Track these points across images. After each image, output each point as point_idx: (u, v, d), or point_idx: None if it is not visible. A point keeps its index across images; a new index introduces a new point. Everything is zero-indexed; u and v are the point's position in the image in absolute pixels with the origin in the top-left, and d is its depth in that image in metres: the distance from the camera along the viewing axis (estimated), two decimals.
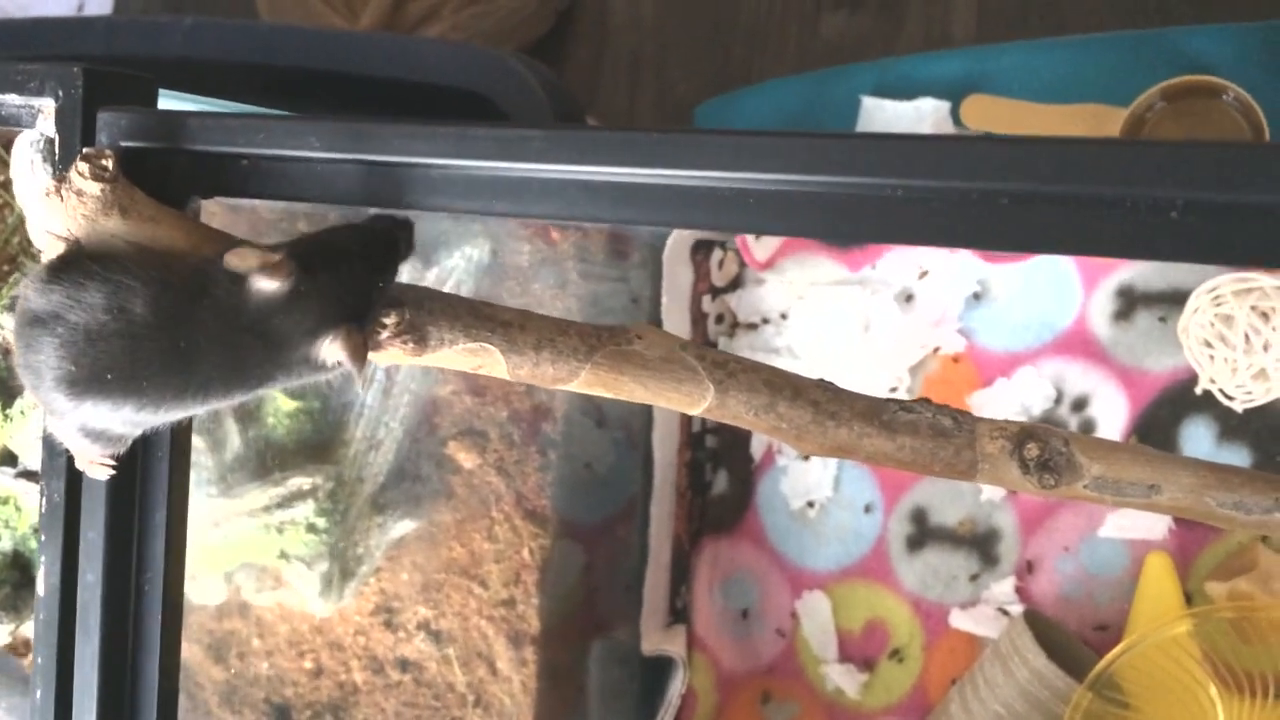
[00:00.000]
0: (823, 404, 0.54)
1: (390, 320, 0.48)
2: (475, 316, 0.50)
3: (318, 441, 0.91)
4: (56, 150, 0.55)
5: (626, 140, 0.42)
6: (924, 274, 0.95)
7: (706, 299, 1.03)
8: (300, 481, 0.86)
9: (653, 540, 1.01)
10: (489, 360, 0.51)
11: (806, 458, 1.02)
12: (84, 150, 0.46)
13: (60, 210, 0.46)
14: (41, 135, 0.77)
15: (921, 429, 0.54)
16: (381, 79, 1.06)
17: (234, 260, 0.45)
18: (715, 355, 0.54)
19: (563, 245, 0.96)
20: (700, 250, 1.01)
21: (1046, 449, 0.53)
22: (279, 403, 0.90)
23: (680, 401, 0.53)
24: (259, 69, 1.00)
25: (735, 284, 1.03)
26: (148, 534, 0.53)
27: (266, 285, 0.45)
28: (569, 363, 0.51)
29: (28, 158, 0.79)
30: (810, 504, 1.01)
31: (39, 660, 0.54)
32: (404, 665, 1.01)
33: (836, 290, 0.98)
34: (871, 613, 0.99)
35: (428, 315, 0.49)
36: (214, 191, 0.51)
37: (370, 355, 0.49)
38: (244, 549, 0.92)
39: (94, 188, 0.46)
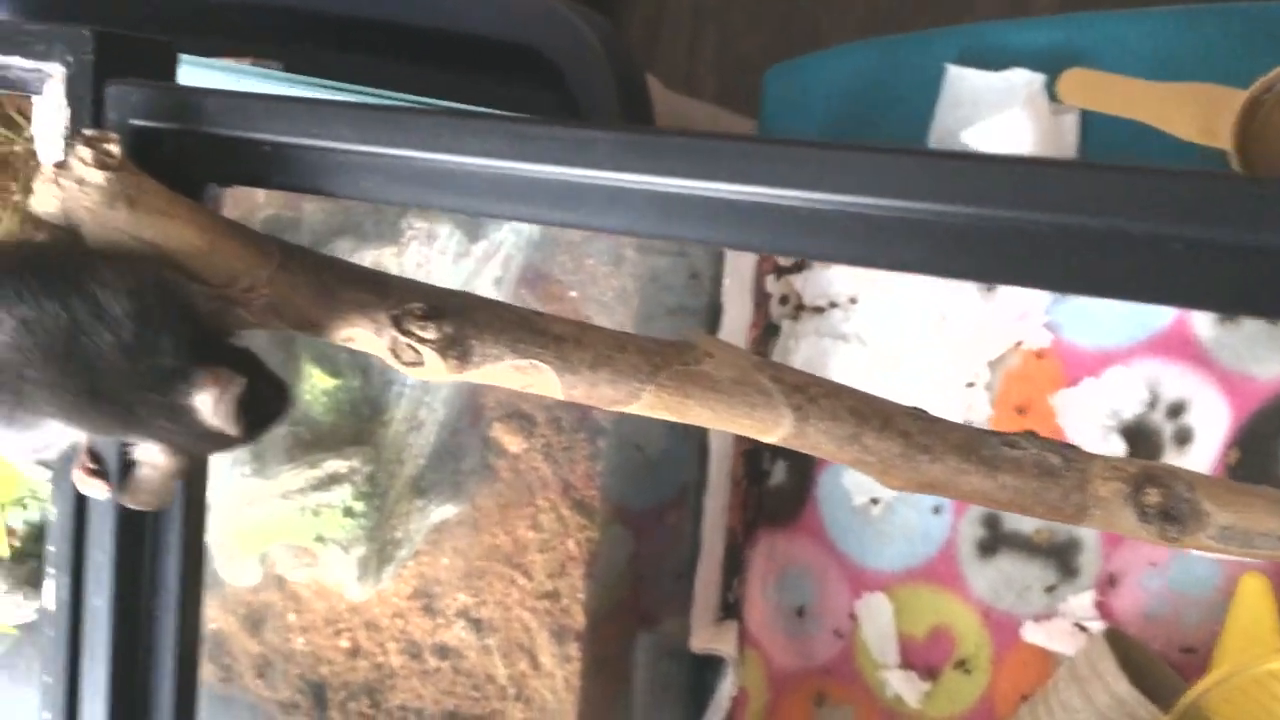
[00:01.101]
0: (914, 435, 0.47)
1: (430, 334, 0.43)
2: (526, 329, 0.45)
3: (356, 421, 0.86)
4: (67, 125, 0.50)
5: (712, 149, 0.35)
6: None
7: (770, 279, 0.96)
8: (337, 465, 0.81)
9: (706, 531, 0.96)
10: (540, 379, 0.45)
11: None
12: (84, 132, 0.41)
13: (60, 199, 0.41)
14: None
15: (1026, 467, 0.47)
16: (423, 28, 0.99)
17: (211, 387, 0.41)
18: (793, 376, 0.47)
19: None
20: None
21: (1169, 495, 0.47)
22: (316, 379, 0.85)
23: (753, 429, 0.47)
24: (291, 14, 0.94)
25: (801, 264, 0.96)
26: (161, 553, 0.48)
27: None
28: (629, 383, 0.45)
29: (46, 117, 0.73)
30: (874, 500, 0.95)
31: (47, 680, 0.50)
32: (443, 652, 0.97)
33: (913, 275, 0.91)
34: (937, 618, 0.93)
35: (472, 327, 0.44)
36: (233, 180, 0.45)
37: (406, 370, 0.44)
38: (279, 531, 0.88)
39: (97, 176, 0.40)
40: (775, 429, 0.47)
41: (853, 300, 0.94)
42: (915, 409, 0.48)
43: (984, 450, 0.47)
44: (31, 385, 0.41)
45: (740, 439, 0.98)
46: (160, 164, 0.42)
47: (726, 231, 0.37)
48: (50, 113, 0.71)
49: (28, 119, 1.14)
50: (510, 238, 0.85)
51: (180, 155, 0.44)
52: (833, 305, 0.95)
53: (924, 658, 0.94)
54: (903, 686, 0.94)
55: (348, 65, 0.94)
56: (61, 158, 0.42)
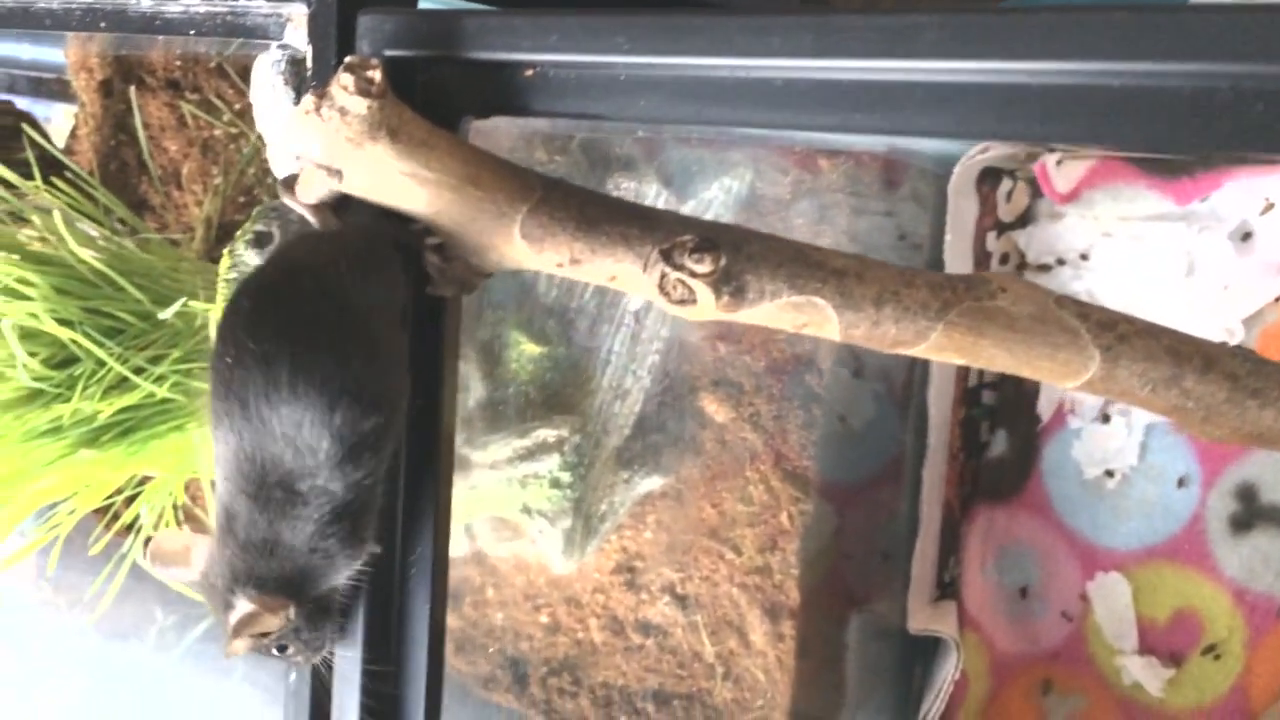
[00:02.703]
0: (1242, 379, 0.41)
1: (704, 267, 0.39)
2: (803, 263, 0.41)
3: (562, 390, 0.84)
4: (309, 65, 0.48)
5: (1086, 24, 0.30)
6: (1269, 207, 0.80)
7: (991, 236, 0.90)
8: (546, 433, 0.79)
9: (924, 507, 0.90)
10: (816, 318, 0.41)
11: (1106, 418, 0.88)
12: (347, 60, 0.38)
13: (319, 133, 0.39)
14: (284, 55, 0.71)
15: None
16: None
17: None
18: (1100, 313, 0.42)
19: (830, 174, 0.85)
20: (987, 180, 0.88)
21: None
22: (523, 348, 0.83)
23: (1054, 372, 0.42)
24: None
25: (1025, 219, 0.90)
26: (416, 510, 0.46)
27: None
28: (916, 322, 0.41)
29: (269, 80, 0.73)
30: (1109, 473, 0.88)
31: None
32: (646, 628, 0.94)
33: (1154, 226, 0.84)
34: (1182, 601, 0.86)
35: (747, 261, 0.40)
36: (492, 110, 0.42)
37: (675, 309, 0.40)
38: (485, 502, 0.86)
39: (359, 104, 0.38)
40: (1080, 372, 0.42)
41: (1084, 256, 0.87)
42: (1240, 348, 0.43)
43: None
44: None
45: (956, 407, 0.93)
46: (414, 96, 0.40)
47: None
48: (270, 68, 0.70)
49: (226, 103, 1.16)
50: (719, 196, 0.81)
51: (436, 87, 0.42)
52: (1060, 262, 0.88)
53: (1166, 642, 0.87)
54: (1142, 673, 0.87)
55: None
56: (306, 105, 0.40)
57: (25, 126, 1.12)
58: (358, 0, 0.45)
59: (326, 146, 0.39)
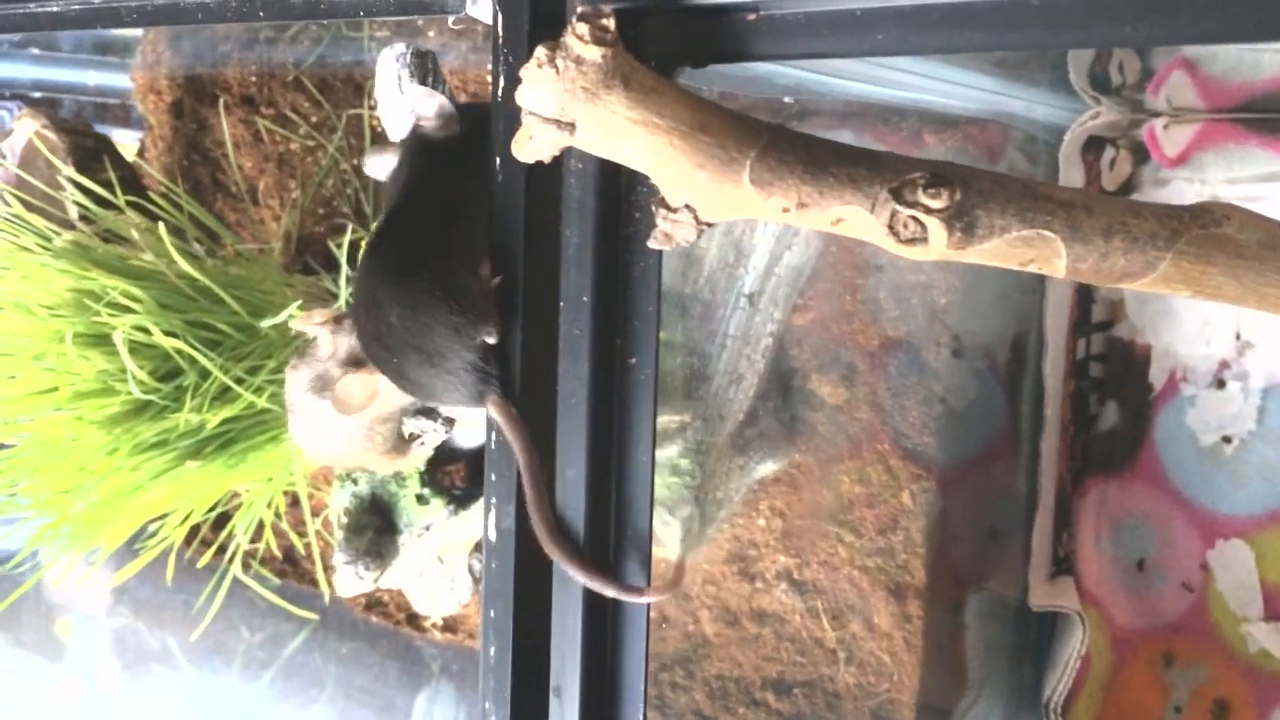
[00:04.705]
0: None
1: (939, 203, 0.39)
2: (1031, 197, 0.40)
3: (680, 376, 0.84)
4: (499, 32, 0.48)
5: None
6: None
7: None
8: (671, 419, 0.79)
9: (1043, 481, 0.90)
10: (1044, 252, 0.41)
11: (1221, 384, 0.88)
12: (580, 10, 0.38)
13: (553, 85, 0.39)
14: (409, 49, 0.71)
15: None
16: None
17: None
18: None
19: (937, 149, 0.85)
20: (1091, 149, 0.88)
21: None
22: None
23: None
24: None
25: (1128, 187, 0.90)
26: (628, 468, 0.45)
27: None
28: (1145, 252, 0.41)
29: (394, 72, 0.73)
30: (1226, 439, 0.88)
31: (490, 614, 0.48)
32: (761, 617, 0.93)
33: (1264, 188, 0.83)
34: None
35: (977, 196, 0.40)
36: (710, 58, 0.42)
37: (904, 250, 0.40)
38: None
39: (594, 53, 0.38)
40: None
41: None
42: None
43: None
44: None
45: (1068, 377, 0.92)
46: (630, 49, 0.40)
47: None
48: (395, 61, 0.71)
49: (303, 116, 1.16)
50: None
51: (652, 39, 0.42)
52: None
53: None
54: (1270, 640, 0.86)
55: None
56: (539, 57, 0.39)
57: (107, 148, 1.12)
58: None
59: (560, 98, 0.39)
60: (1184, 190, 0.87)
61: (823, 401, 0.88)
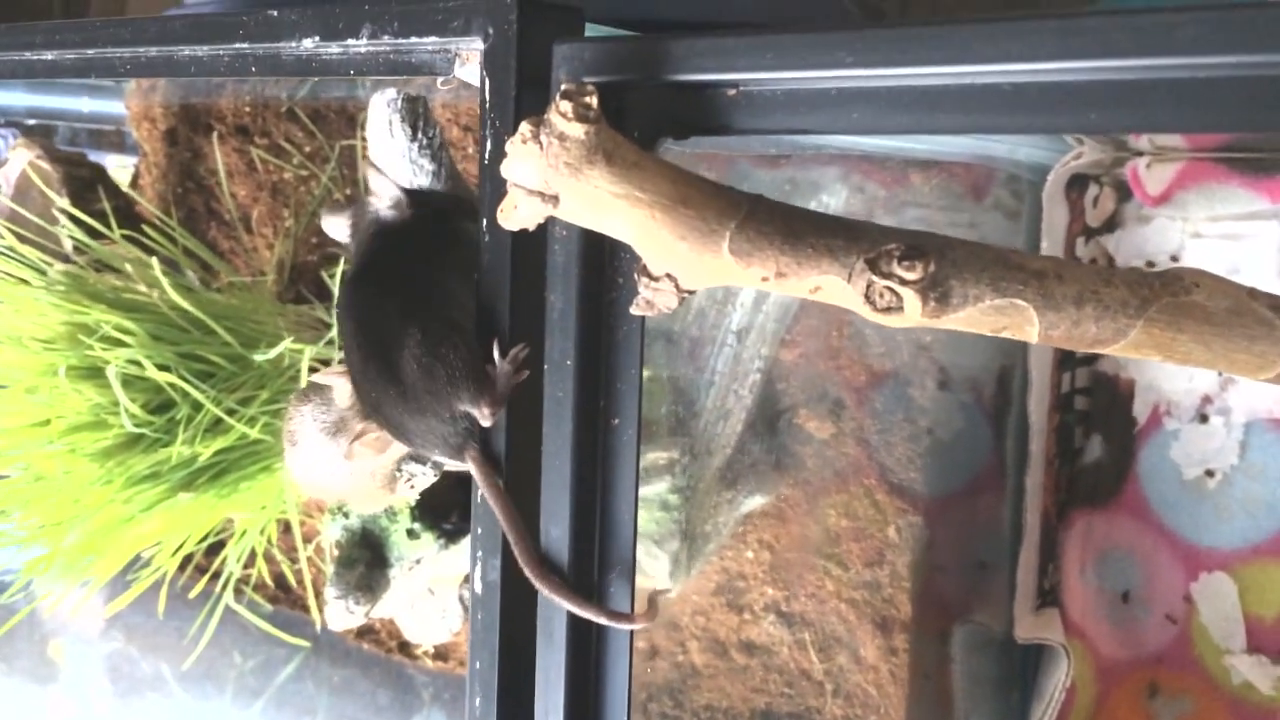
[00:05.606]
0: None
1: (913, 275, 0.40)
2: (1004, 266, 0.41)
3: (669, 412, 0.85)
4: (486, 97, 0.49)
5: None
6: None
7: (1080, 242, 0.91)
8: (659, 455, 0.80)
9: (1027, 514, 0.91)
10: (1018, 320, 0.42)
11: (1204, 418, 0.89)
12: (563, 87, 0.39)
13: (537, 160, 0.40)
14: (399, 94, 0.72)
15: None
16: None
17: None
18: None
19: (922, 188, 0.86)
20: (1075, 187, 0.89)
21: None
22: None
23: (1249, 365, 0.43)
24: None
25: (1112, 224, 0.91)
26: (610, 521, 0.46)
27: None
28: (1116, 320, 0.42)
29: (385, 118, 0.74)
30: (1209, 473, 0.89)
31: (476, 666, 0.49)
32: (750, 648, 0.94)
33: (1245, 225, 0.85)
34: None
35: (951, 267, 0.41)
36: (691, 130, 0.43)
37: (880, 318, 0.41)
38: None
39: (578, 130, 0.39)
40: (1277, 363, 0.42)
41: (1174, 258, 0.88)
42: None
43: None
44: None
45: (1051, 414, 0.93)
46: (612, 124, 0.41)
47: None
48: (386, 106, 0.71)
49: (296, 146, 1.17)
50: None
51: (633, 112, 0.43)
52: (1150, 265, 0.89)
53: (1276, 640, 0.87)
54: (1252, 672, 0.87)
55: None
56: (523, 133, 0.41)
57: (101, 178, 1.13)
58: (542, 34, 0.46)
59: (544, 173, 0.40)
60: (1167, 227, 0.88)
61: (810, 436, 0.89)
